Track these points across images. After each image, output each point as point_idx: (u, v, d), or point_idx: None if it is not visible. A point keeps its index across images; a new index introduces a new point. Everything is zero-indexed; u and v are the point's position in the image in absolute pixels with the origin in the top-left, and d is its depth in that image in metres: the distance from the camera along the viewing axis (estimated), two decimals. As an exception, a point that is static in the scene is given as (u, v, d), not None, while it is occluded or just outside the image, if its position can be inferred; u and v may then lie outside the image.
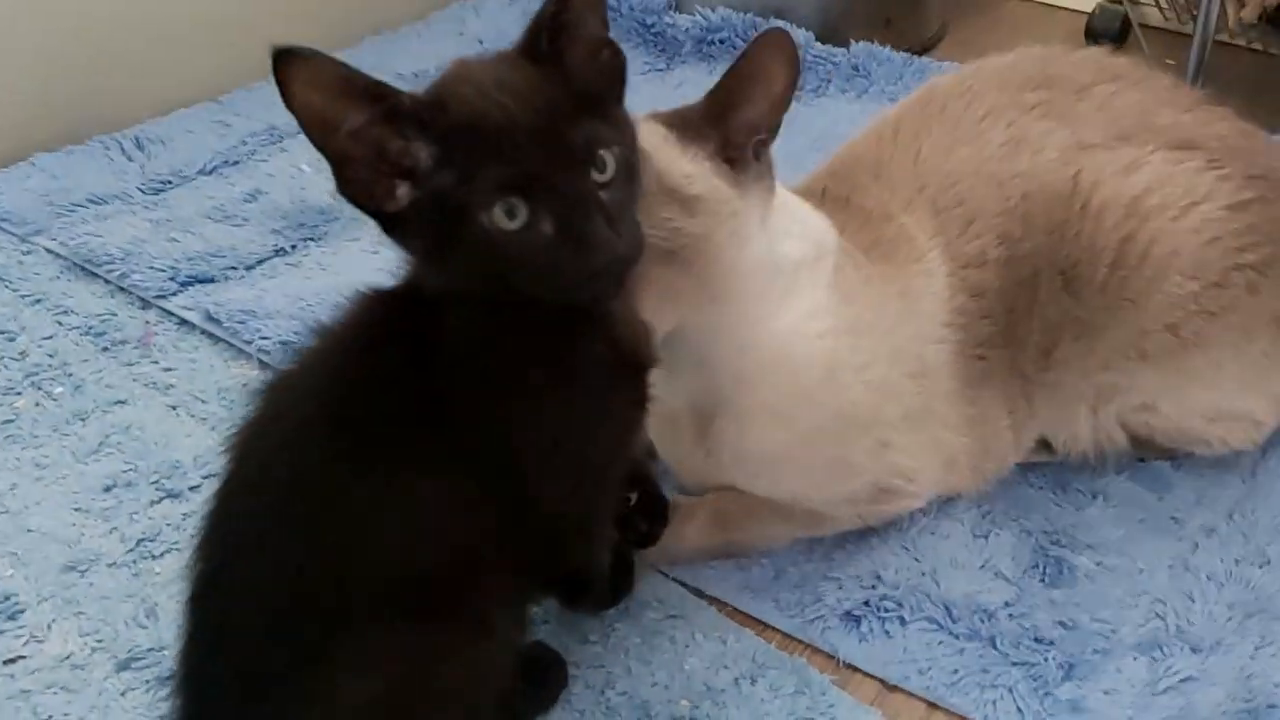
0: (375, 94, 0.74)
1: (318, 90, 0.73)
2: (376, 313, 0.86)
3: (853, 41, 2.00)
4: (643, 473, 1.06)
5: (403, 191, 0.77)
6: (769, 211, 1.04)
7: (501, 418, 0.83)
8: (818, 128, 1.85)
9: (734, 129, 1.00)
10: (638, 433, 0.95)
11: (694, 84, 1.98)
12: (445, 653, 0.83)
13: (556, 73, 0.78)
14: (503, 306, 0.80)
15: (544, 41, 0.79)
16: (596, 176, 0.77)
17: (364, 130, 0.74)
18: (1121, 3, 2.16)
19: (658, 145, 0.98)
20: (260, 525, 0.81)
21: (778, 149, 1.85)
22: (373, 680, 0.80)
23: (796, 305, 1.06)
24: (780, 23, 2.00)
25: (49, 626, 1.07)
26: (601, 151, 0.77)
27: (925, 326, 1.12)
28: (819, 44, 1.99)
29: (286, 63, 0.72)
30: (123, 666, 1.03)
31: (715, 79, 2.17)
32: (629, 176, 0.80)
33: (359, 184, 0.76)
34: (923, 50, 2.16)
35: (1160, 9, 2.01)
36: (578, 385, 0.85)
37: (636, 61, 2.07)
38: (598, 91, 0.80)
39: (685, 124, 1.00)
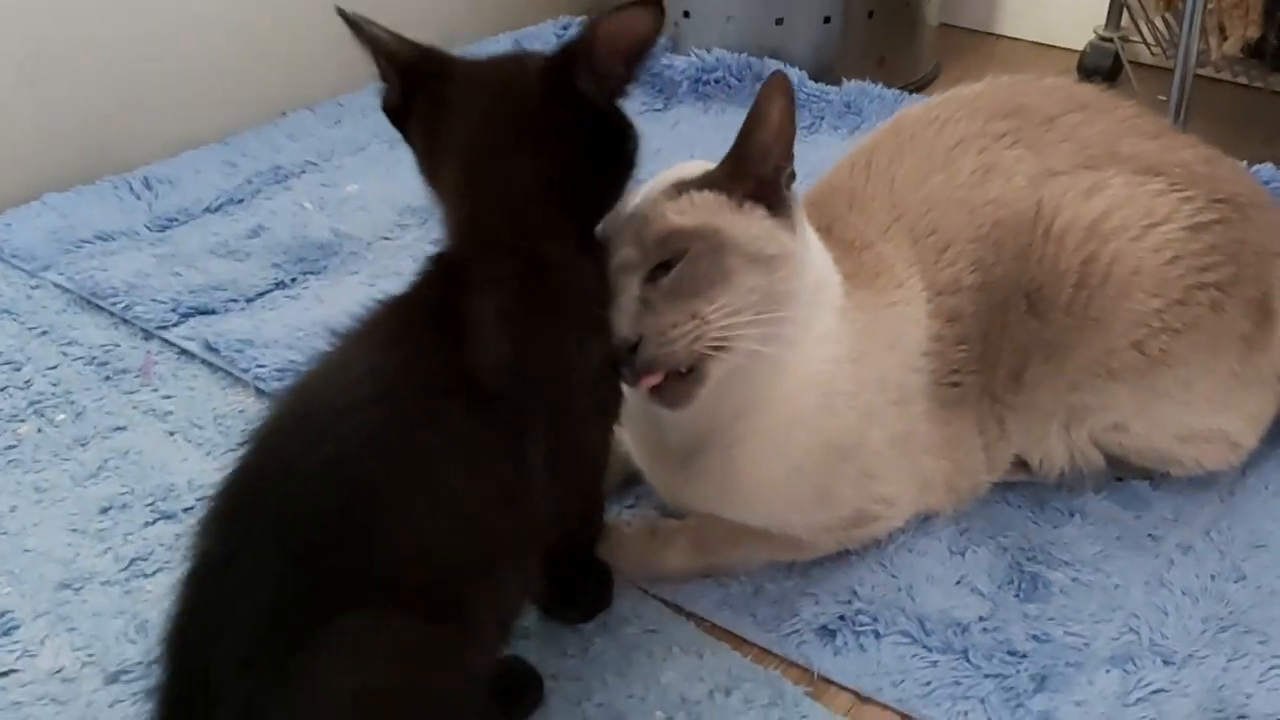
0: None
1: None
2: (408, 305, 0.94)
3: (846, 80, 2.03)
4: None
5: None
6: (807, 242, 1.07)
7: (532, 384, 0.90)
8: (810, 164, 1.85)
9: (767, 173, 1.03)
10: None
11: (691, 122, 2.02)
12: (441, 656, 0.83)
13: None
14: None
15: None
16: None
17: None
18: (1113, 40, 2.19)
19: (723, 215, 1.01)
20: (288, 498, 0.81)
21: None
22: (362, 671, 0.79)
23: (813, 330, 1.07)
24: (775, 62, 2.04)
25: (42, 641, 1.09)
26: None
27: (907, 356, 1.14)
28: (812, 82, 2.03)
29: None
30: (111, 680, 1.06)
31: (711, 118, 2.20)
32: None
33: None
34: (916, 89, 2.20)
35: (1147, 46, 2.04)
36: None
37: (635, 102, 2.08)
38: None
39: (728, 185, 1.03)
